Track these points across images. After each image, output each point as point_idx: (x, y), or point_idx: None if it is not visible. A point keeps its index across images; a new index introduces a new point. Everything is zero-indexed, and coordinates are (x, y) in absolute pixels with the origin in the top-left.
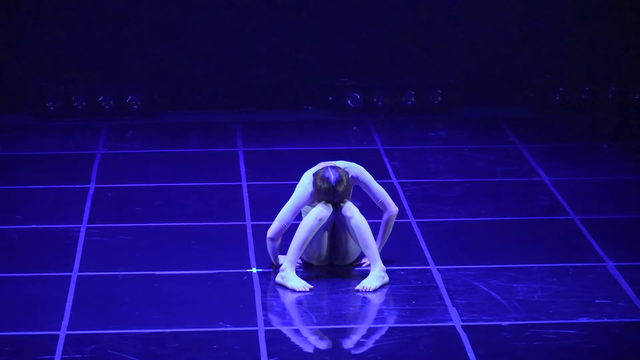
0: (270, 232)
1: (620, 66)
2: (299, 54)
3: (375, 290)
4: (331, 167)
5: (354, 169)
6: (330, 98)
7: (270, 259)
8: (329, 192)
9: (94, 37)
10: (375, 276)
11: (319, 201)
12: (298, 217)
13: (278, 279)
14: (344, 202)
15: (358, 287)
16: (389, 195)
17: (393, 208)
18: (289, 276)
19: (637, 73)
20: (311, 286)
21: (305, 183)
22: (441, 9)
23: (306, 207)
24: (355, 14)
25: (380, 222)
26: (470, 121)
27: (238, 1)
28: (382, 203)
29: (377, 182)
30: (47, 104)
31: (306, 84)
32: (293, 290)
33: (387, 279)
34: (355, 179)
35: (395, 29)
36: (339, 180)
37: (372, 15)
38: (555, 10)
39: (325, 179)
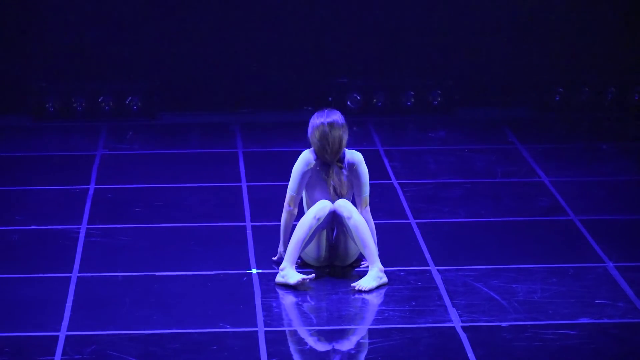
0: (285, 202)
1: (620, 67)
2: (298, 54)
3: (371, 290)
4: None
5: (356, 155)
6: (330, 99)
7: (271, 258)
8: (324, 130)
9: (93, 38)
10: (373, 276)
11: (317, 151)
12: (297, 218)
13: (278, 278)
14: (342, 192)
15: (354, 284)
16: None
17: (366, 206)
18: (290, 274)
19: (636, 73)
20: (313, 274)
21: (305, 152)
22: (441, 10)
23: (306, 203)
24: (355, 15)
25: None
26: (470, 122)
27: (237, 2)
28: (365, 199)
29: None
30: (47, 105)
31: (306, 84)
32: (296, 287)
33: (385, 279)
34: (354, 164)
35: (394, 30)
36: (332, 112)
37: (371, 15)
38: (555, 10)
39: (319, 115)
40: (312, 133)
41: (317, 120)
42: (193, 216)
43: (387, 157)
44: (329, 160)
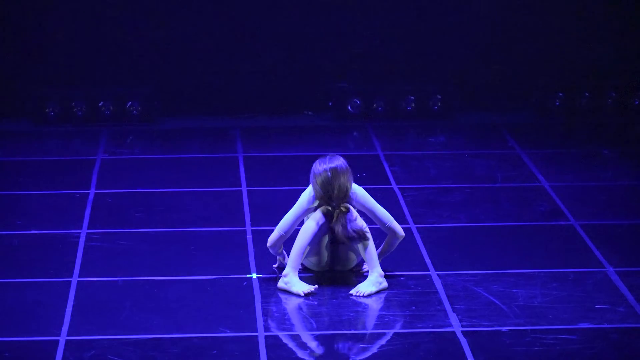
0: (269, 241)
1: (620, 71)
2: (298, 59)
3: (370, 296)
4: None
5: (360, 193)
6: (330, 103)
7: (271, 263)
8: (326, 177)
9: (93, 43)
10: (372, 281)
11: (320, 199)
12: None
13: (281, 284)
14: (343, 239)
15: (352, 291)
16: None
17: (400, 233)
18: (293, 281)
19: (636, 78)
20: (316, 285)
21: (307, 192)
22: (440, 15)
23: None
24: (355, 20)
25: (385, 239)
26: (470, 126)
27: (238, 7)
28: (389, 228)
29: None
30: (47, 110)
31: (306, 89)
32: (298, 295)
33: (385, 284)
34: (362, 205)
35: (394, 35)
36: (334, 158)
37: (371, 20)
38: (555, 14)
39: (321, 161)
40: (314, 180)
41: (320, 167)
42: (193, 221)
43: (387, 162)
44: (333, 205)
